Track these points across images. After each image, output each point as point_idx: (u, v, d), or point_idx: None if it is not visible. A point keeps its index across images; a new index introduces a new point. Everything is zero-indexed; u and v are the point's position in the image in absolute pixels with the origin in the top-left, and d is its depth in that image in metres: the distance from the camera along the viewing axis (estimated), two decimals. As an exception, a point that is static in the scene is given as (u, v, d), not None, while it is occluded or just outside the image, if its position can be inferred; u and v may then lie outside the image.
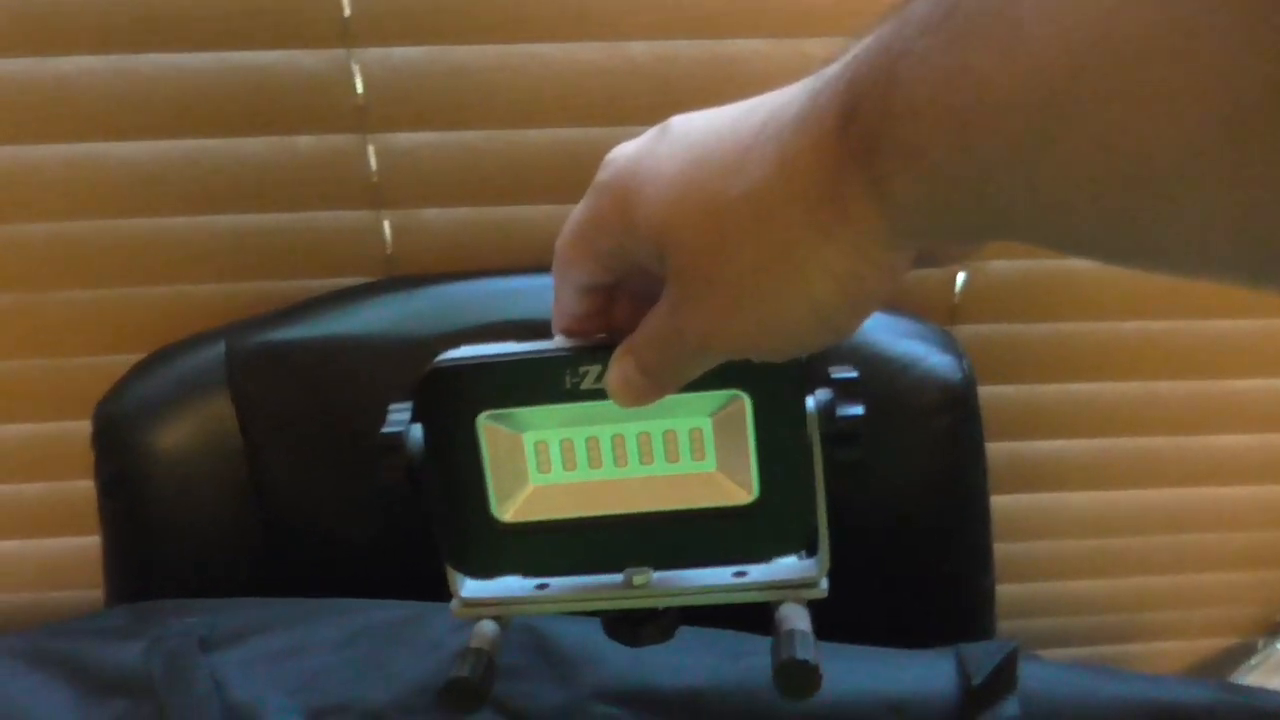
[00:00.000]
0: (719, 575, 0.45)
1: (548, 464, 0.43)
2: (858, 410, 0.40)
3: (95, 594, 0.78)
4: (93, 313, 0.77)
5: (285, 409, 0.71)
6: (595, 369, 0.40)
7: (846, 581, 0.71)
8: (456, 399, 0.42)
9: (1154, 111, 0.21)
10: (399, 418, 0.43)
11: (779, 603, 0.45)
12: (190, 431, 0.71)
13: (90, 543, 0.79)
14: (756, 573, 0.45)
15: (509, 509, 0.44)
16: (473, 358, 0.41)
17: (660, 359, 0.36)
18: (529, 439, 0.43)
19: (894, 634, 0.60)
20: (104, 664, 0.60)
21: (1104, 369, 0.84)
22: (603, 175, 0.37)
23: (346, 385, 0.70)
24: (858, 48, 0.29)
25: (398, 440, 0.42)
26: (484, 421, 0.42)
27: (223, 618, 0.62)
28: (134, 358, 0.74)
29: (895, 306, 0.73)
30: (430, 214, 0.74)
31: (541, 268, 0.73)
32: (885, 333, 0.71)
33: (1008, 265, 0.79)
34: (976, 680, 0.54)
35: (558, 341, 0.41)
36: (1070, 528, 0.92)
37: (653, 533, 0.44)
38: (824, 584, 0.45)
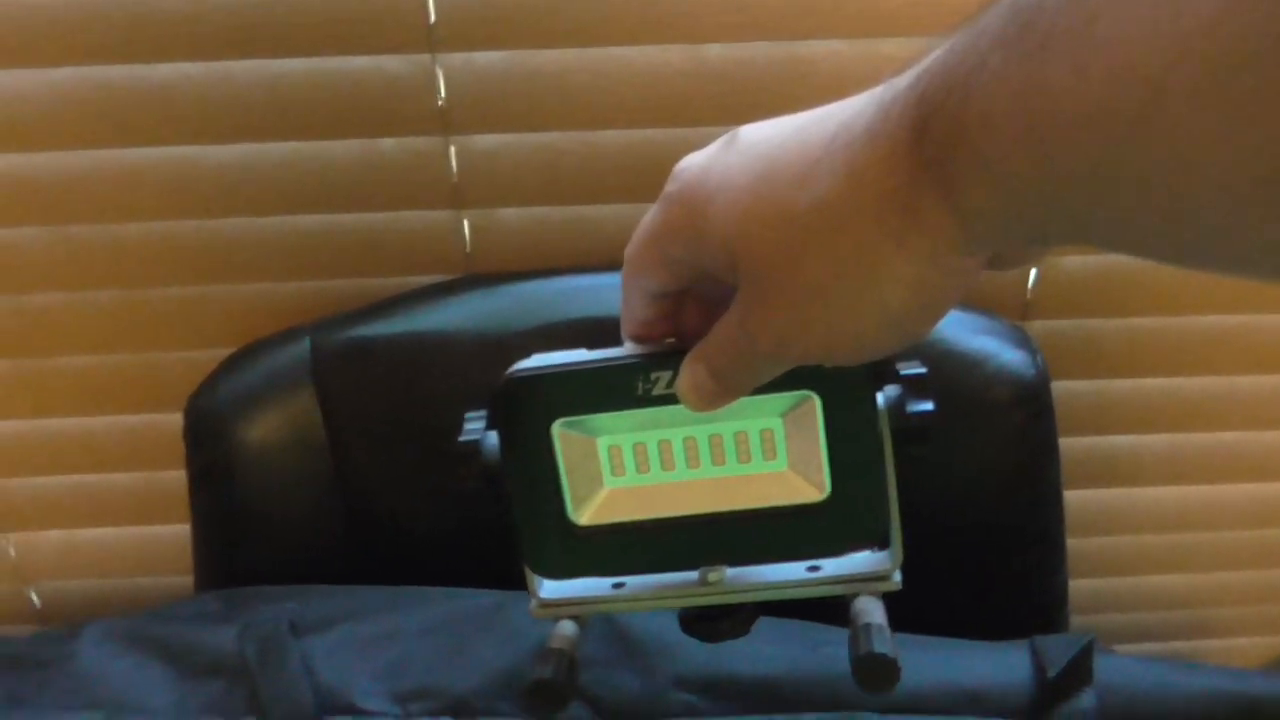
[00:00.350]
0: (793, 570, 0.46)
1: (621, 467, 0.44)
2: (928, 406, 0.41)
3: (184, 580, 0.81)
4: (185, 309, 0.79)
5: (368, 403, 0.73)
6: (666, 375, 0.40)
7: (920, 576, 0.71)
8: (531, 408, 0.43)
9: (1236, 125, 0.21)
10: (475, 426, 0.45)
11: (854, 596, 0.46)
12: (277, 425, 0.74)
13: (180, 531, 0.82)
14: (830, 567, 0.46)
15: (585, 512, 0.45)
16: (545, 367, 0.42)
17: (731, 365, 0.37)
18: (602, 443, 0.44)
19: (967, 629, 0.61)
20: (199, 647, 0.62)
21: (1178, 364, 0.83)
22: (672, 186, 0.37)
23: (426, 380, 0.72)
24: (928, 59, 0.29)
25: (474, 448, 0.44)
26: (558, 428, 0.43)
27: (311, 604, 0.64)
28: (223, 352, 0.77)
29: (968, 303, 0.74)
30: (509, 214, 0.76)
31: (616, 266, 0.75)
32: (958, 329, 0.71)
33: (1080, 261, 0.79)
34: (1052, 672, 0.54)
35: (627, 348, 0.42)
36: (1145, 522, 0.91)
37: (726, 531, 0.44)
38: (897, 576, 0.46)
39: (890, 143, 0.30)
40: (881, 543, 0.45)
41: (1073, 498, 0.74)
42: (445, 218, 0.76)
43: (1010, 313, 0.77)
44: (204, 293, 0.79)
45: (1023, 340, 0.72)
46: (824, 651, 0.57)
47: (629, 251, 0.40)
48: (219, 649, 0.62)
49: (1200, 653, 0.98)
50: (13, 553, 0.93)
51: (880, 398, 0.42)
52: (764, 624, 0.51)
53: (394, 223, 0.76)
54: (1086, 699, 0.53)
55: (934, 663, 0.57)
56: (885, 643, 0.43)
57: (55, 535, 0.93)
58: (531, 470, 0.44)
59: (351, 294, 0.78)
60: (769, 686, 0.55)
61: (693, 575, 0.46)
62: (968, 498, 0.71)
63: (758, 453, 0.44)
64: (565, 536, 0.45)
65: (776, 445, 0.43)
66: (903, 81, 0.30)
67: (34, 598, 0.96)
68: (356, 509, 0.75)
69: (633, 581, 0.47)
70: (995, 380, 0.69)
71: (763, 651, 0.55)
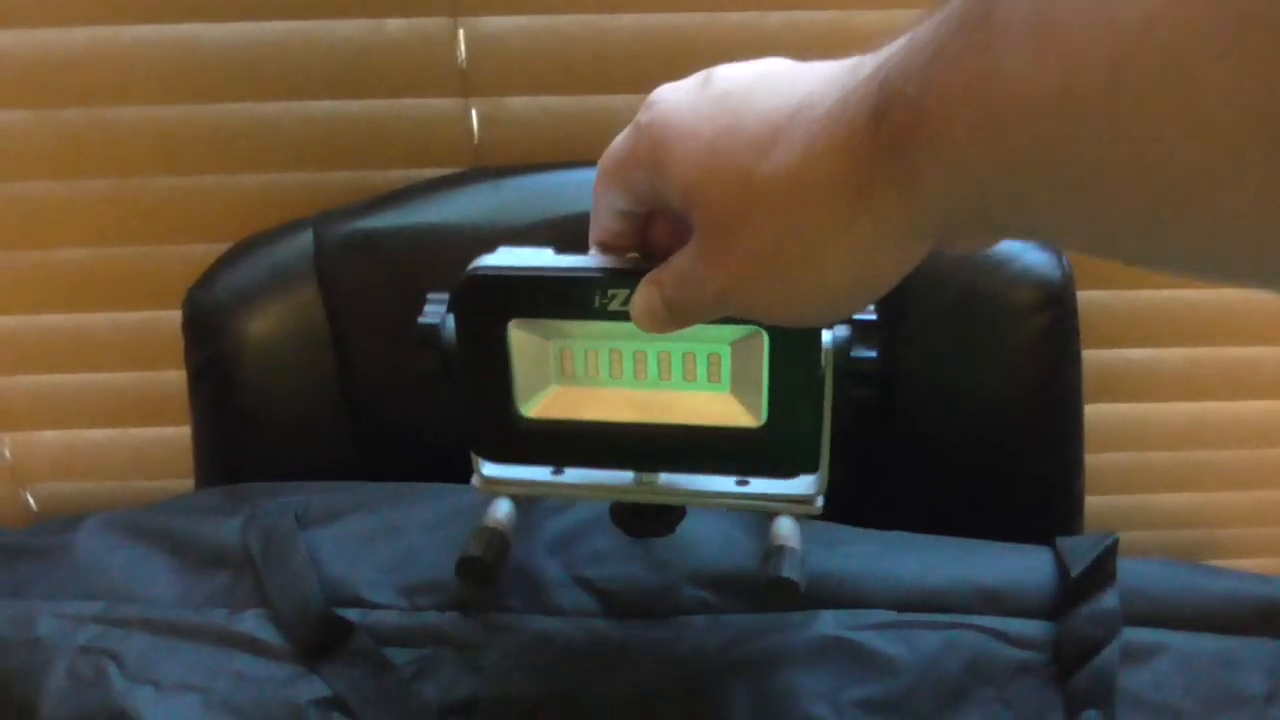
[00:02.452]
0: (723, 483, 0.49)
1: (571, 370, 0.46)
2: (872, 354, 0.43)
3: (185, 484, 0.79)
4: (183, 200, 0.77)
5: (371, 298, 0.71)
6: (623, 293, 0.41)
7: (939, 480, 0.70)
8: (489, 305, 0.44)
9: (1191, 112, 0.21)
10: (435, 309, 0.46)
11: (776, 515, 0.49)
12: (279, 320, 0.72)
13: (180, 434, 0.80)
14: (758, 485, 0.48)
15: (531, 406, 0.46)
16: (508, 269, 0.43)
17: (681, 298, 0.38)
18: (555, 346, 0.45)
19: (986, 535, 0.59)
20: (202, 539, 0.61)
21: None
22: (644, 116, 0.38)
23: (432, 274, 0.69)
24: (891, 47, 0.30)
25: (433, 331, 0.45)
26: (513, 327, 0.44)
27: (315, 499, 0.63)
28: (223, 247, 0.75)
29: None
30: (518, 102, 0.73)
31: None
32: (982, 228, 0.69)
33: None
34: (1075, 571, 0.53)
35: (592, 255, 0.43)
36: (1159, 439, 0.89)
37: (664, 442, 0.46)
38: (820, 502, 0.48)
39: (848, 130, 0.30)
40: (810, 473, 0.47)
41: (1086, 411, 0.73)
42: (452, 106, 0.73)
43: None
44: (202, 183, 0.76)
45: (1048, 241, 0.69)
46: (840, 550, 0.56)
47: (601, 164, 0.42)
48: (223, 541, 0.60)
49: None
50: (7, 454, 0.91)
51: (829, 337, 0.43)
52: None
53: (399, 110, 0.74)
54: (1110, 599, 0.52)
55: (952, 562, 0.56)
56: (794, 567, 0.47)
57: (51, 436, 0.91)
58: (485, 361, 0.45)
59: (355, 187, 0.75)
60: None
61: (628, 476, 0.49)
62: (987, 401, 0.69)
63: (702, 374, 0.45)
64: (510, 426, 0.46)
65: (721, 370, 0.45)
66: (865, 67, 0.31)
67: (30, 500, 0.94)
68: (360, 406, 0.73)
69: (571, 472, 0.50)
70: (1019, 281, 0.67)
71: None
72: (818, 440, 0.45)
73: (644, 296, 0.40)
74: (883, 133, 0.29)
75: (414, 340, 0.46)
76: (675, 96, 0.38)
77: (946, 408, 0.69)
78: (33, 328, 0.84)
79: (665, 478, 0.49)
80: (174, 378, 0.78)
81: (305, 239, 0.72)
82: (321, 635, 0.54)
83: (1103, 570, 0.53)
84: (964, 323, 0.68)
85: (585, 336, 0.45)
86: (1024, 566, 0.55)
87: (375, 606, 0.55)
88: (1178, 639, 0.53)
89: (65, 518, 0.65)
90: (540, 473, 0.50)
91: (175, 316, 0.74)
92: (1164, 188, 0.23)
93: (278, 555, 0.57)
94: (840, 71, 0.33)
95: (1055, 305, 0.68)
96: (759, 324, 0.41)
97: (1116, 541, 0.53)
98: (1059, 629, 0.52)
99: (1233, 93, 0.20)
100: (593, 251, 0.44)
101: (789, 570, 0.47)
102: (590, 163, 0.73)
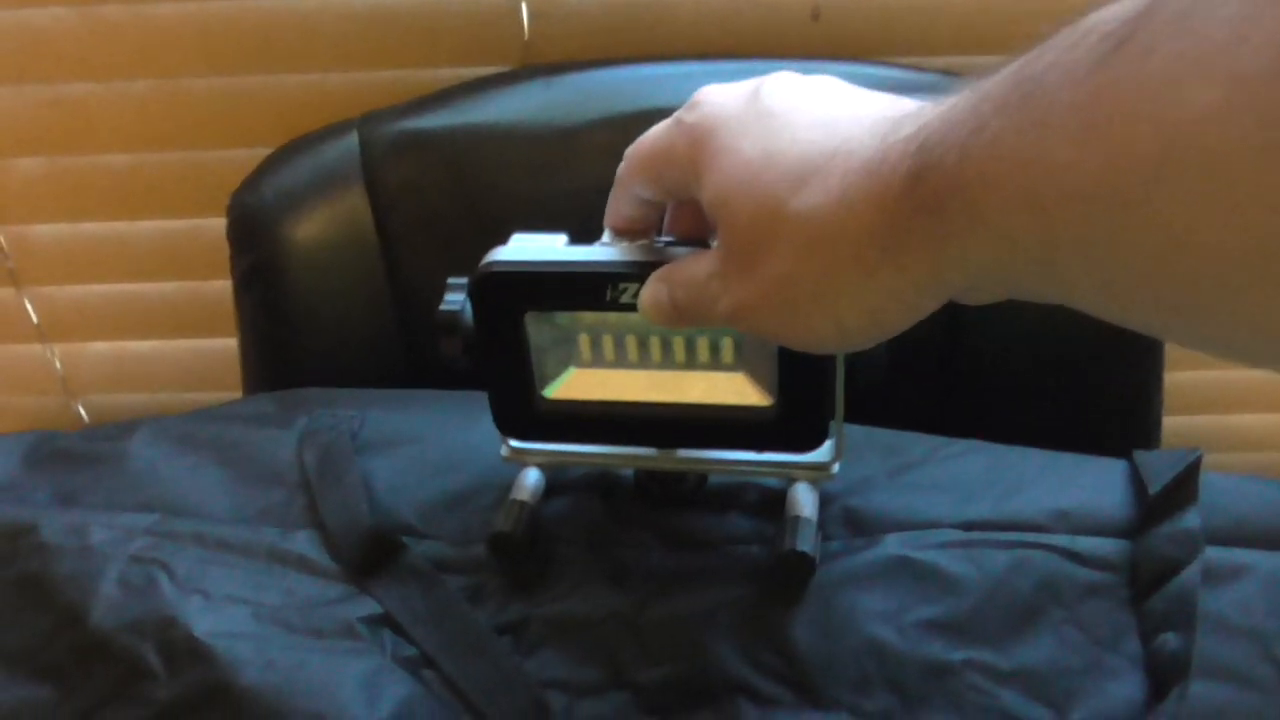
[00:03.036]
0: (740, 451, 0.50)
1: (588, 354, 0.47)
2: (881, 348, 0.43)
3: (234, 396, 0.78)
4: (226, 102, 0.75)
5: (421, 201, 0.69)
6: (634, 286, 0.42)
7: (1011, 398, 0.67)
8: (504, 298, 0.45)
9: (1229, 209, 0.22)
10: (455, 297, 0.47)
11: (793, 481, 0.50)
12: (326, 223, 0.70)
13: (228, 345, 0.79)
14: (775, 452, 0.49)
15: (553, 388, 0.48)
16: (520, 264, 0.44)
17: (690, 304, 0.39)
18: (571, 332, 0.47)
19: (1062, 448, 0.56)
20: (256, 452, 0.59)
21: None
22: (688, 115, 0.39)
23: (483, 175, 0.68)
24: (930, 112, 0.31)
25: (454, 318, 0.46)
26: (530, 317, 0.45)
27: (371, 414, 0.61)
28: (266, 152, 0.73)
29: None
30: (570, -3, 0.70)
31: (684, 56, 0.69)
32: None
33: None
34: (1154, 489, 0.50)
35: (604, 244, 0.45)
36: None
37: (679, 420, 0.48)
38: (836, 469, 0.49)
39: (884, 186, 0.31)
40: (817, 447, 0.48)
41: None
42: (502, 1, 0.70)
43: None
44: (245, 84, 0.74)
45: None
46: (909, 475, 0.54)
47: (632, 152, 0.42)
48: (276, 456, 0.59)
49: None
50: (58, 365, 0.91)
51: None
52: (851, 436, 0.51)
53: (446, 6, 0.71)
54: (1191, 518, 0.49)
55: (1024, 476, 0.53)
56: (808, 540, 0.48)
57: (101, 347, 0.91)
58: (504, 348, 0.46)
59: (401, 87, 0.73)
60: (848, 512, 0.52)
61: (650, 450, 0.51)
62: (1062, 313, 0.65)
63: (715, 355, 0.47)
64: (533, 407, 0.48)
65: (733, 351, 0.46)
66: (905, 125, 0.32)
67: (82, 412, 0.95)
68: (410, 311, 0.72)
69: (594, 447, 0.52)
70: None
71: (845, 474, 0.52)
72: (827, 417, 0.46)
73: (653, 293, 0.40)
74: (919, 195, 0.30)
75: (436, 326, 0.47)
76: (722, 102, 0.38)
77: (1019, 322, 0.66)
78: (78, 235, 0.83)
79: (683, 450, 0.51)
80: (221, 288, 0.76)
81: (351, 141, 0.70)
82: (372, 553, 0.53)
83: (1184, 488, 0.50)
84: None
85: (600, 323, 0.46)
86: (1100, 482, 0.53)
87: (426, 536, 0.54)
88: (1263, 559, 0.50)
89: (119, 423, 0.64)
90: (565, 447, 0.52)
91: (221, 224, 0.73)
92: (1199, 282, 0.24)
93: (331, 476, 0.56)
94: (881, 121, 0.33)
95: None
96: None
97: (1200, 457, 0.51)
98: (1135, 548, 0.50)
99: (1270, 195, 0.21)
100: (606, 236, 0.45)
101: (803, 543, 0.47)
102: (646, 59, 0.71)
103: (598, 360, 0.47)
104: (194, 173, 0.78)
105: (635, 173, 0.42)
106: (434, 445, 0.59)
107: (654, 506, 0.53)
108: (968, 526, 0.51)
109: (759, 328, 0.37)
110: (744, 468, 0.51)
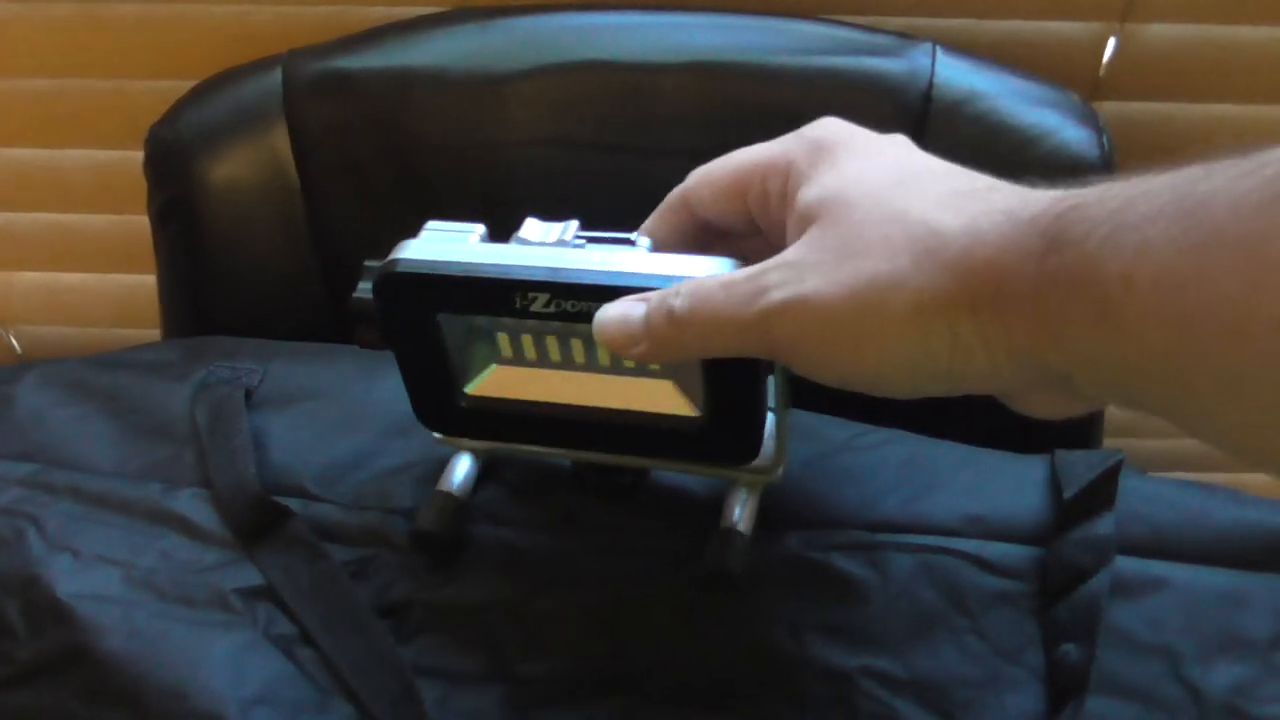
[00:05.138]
0: (670, 459, 0.48)
1: (509, 353, 0.44)
2: None
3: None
4: (151, 29, 0.71)
5: (342, 145, 0.66)
6: (543, 296, 0.39)
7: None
8: (412, 300, 0.42)
9: None
10: (368, 285, 0.43)
11: (733, 484, 0.48)
12: (246, 163, 0.67)
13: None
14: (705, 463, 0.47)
15: (473, 385, 0.45)
16: (425, 265, 0.41)
17: (697, 313, 0.36)
18: (489, 330, 0.44)
19: (994, 441, 0.54)
20: (148, 404, 0.57)
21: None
22: (813, 131, 0.38)
23: (410, 120, 0.64)
24: (1073, 193, 0.30)
25: (367, 306, 0.43)
26: (443, 317, 0.42)
27: (275, 367, 0.59)
28: (192, 83, 0.69)
29: (1031, 69, 0.64)
30: (509, -64, 0.66)
31: (625, 7, 0.65)
32: (1014, 99, 0.61)
33: (1169, 32, 0.68)
34: (1069, 493, 0.48)
35: (521, 243, 0.42)
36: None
37: (605, 425, 0.45)
38: (780, 472, 0.47)
39: (1019, 233, 0.31)
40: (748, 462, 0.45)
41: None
42: (438, -63, 0.66)
43: (1080, 87, 0.67)
44: (173, 11, 0.71)
45: (1088, 117, 0.62)
46: (813, 468, 0.51)
47: (710, 170, 0.41)
48: (168, 409, 0.56)
49: (1240, 485, 0.91)
50: (-11, 293, 0.89)
51: None
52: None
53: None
54: (1104, 525, 0.47)
55: (939, 475, 0.51)
56: (737, 556, 0.45)
57: (33, 277, 0.89)
58: (419, 346, 0.44)
59: (332, 23, 0.69)
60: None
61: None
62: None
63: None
64: (453, 403, 0.46)
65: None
66: (1053, 190, 0.31)
67: (14, 342, 0.92)
68: (332, 260, 0.69)
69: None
70: (1053, 159, 0.60)
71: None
72: (759, 430, 0.43)
73: (621, 313, 0.38)
74: (1050, 264, 0.30)
75: (348, 314, 0.44)
76: (852, 129, 0.38)
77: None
78: (4, 160, 0.80)
79: None
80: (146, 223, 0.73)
81: (275, 78, 0.66)
82: (257, 518, 0.51)
83: (1100, 492, 0.47)
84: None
85: (518, 323, 0.43)
86: (1018, 483, 0.50)
87: (318, 500, 0.52)
88: (1180, 572, 0.47)
89: (10, 366, 0.62)
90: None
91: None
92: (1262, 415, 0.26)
93: (221, 434, 0.54)
94: (1023, 187, 0.33)
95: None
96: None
97: (1120, 461, 0.48)
98: (1048, 555, 0.47)
99: None
100: (527, 226, 0.43)
101: (733, 562, 0.45)
102: (586, 7, 0.67)
103: (519, 359, 0.45)
104: (121, 102, 0.75)
105: (723, 186, 0.40)
106: (334, 402, 0.57)
107: (584, 499, 0.51)
108: (874, 527, 0.49)
109: (803, 336, 0.34)
110: (681, 464, 0.48)
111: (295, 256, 0.68)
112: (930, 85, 0.60)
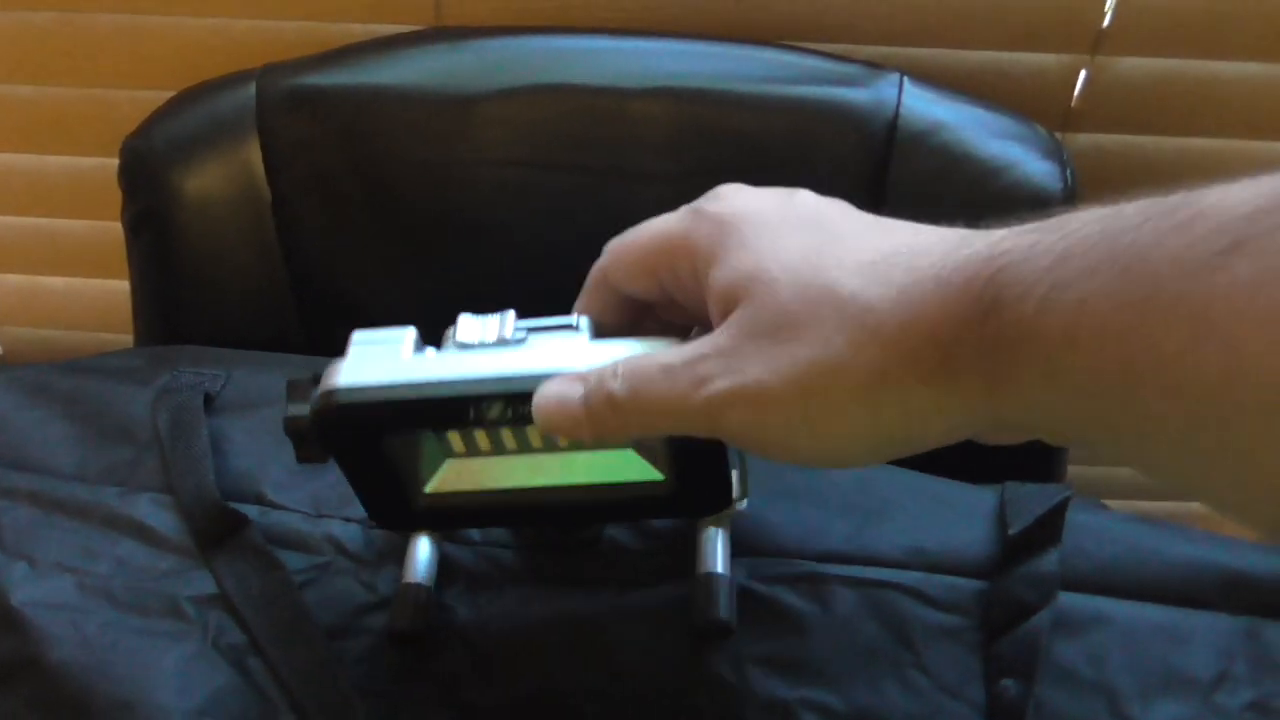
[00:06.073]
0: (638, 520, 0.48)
1: (461, 445, 0.43)
2: None
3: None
4: (130, 39, 0.72)
5: (311, 161, 0.66)
6: (498, 404, 0.37)
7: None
8: (352, 430, 0.40)
9: None
10: (301, 403, 0.40)
11: (702, 526, 0.47)
12: (217, 176, 0.67)
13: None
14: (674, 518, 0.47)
15: (428, 484, 0.43)
16: (366, 391, 0.38)
17: (638, 396, 0.35)
18: (439, 434, 0.42)
19: (952, 469, 0.54)
20: (110, 409, 0.57)
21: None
22: (710, 205, 0.36)
23: (376, 140, 0.65)
24: (1008, 240, 0.30)
25: (303, 426, 0.40)
26: (387, 440, 0.40)
27: (237, 375, 0.59)
28: (171, 94, 0.70)
29: (1001, 101, 0.64)
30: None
31: (597, 30, 0.66)
32: (981, 131, 0.62)
33: (1140, 65, 0.68)
34: (1014, 529, 0.48)
35: (460, 347, 0.39)
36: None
37: (570, 501, 0.44)
38: (743, 505, 0.46)
39: (955, 298, 0.30)
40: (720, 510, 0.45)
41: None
42: (414, -42, 0.67)
43: (1048, 121, 0.67)
44: (150, 23, 0.71)
45: (1053, 150, 0.62)
46: (764, 489, 0.51)
47: (619, 245, 0.39)
48: (130, 414, 0.57)
49: (1196, 514, 0.91)
50: (-30, 293, 0.90)
51: None
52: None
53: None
54: (1049, 561, 0.47)
55: (890, 501, 0.51)
56: (725, 605, 0.45)
57: (16, 280, 0.89)
58: (364, 466, 0.42)
59: (307, 39, 0.70)
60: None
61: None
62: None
63: None
64: (408, 504, 0.44)
65: None
66: (974, 242, 0.31)
67: (-4, 343, 0.93)
68: (301, 275, 0.69)
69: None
70: (1014, 191, 0.60)
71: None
72: (727, 482, 0.42)
73: (563, 385, 0.36)
74: (991, 327, 0.29)
75: (287, 433, 0.41)
76: (751, 196, 0.36)
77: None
78: (-14, 164, 0.80)
79: None
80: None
81: (248, 92, 0.67)
82: (213, 525, 0.51)
83: (1046, 529, 0.48)
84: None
85: (467, 436, 0.42)
86: (967, 515, 0.50)
87: (276, 507, 0.52)
88: (1122, 609, 0.47)
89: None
90: None
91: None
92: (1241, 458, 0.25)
93: (182, 438, 0.54)
94: (947, 235, 0.32)
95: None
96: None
97: (1068, 498, 0.48)
98: (992, 589, 0.48)
99: None
100: (461, 325, 0.40)
101: (724, 610, 0.44)
102: (557, 30, 0.68)
103: (473, 450, 0.43)
104: (100, 110, 0.76)
105: (632, 266, 0.39)
106: None
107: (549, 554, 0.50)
108: (820, 558, 0.49)
109: (754, 423, 0.33)
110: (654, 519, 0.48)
111: (266, 269, 0.69)
112: (896, 116, 0.60)
